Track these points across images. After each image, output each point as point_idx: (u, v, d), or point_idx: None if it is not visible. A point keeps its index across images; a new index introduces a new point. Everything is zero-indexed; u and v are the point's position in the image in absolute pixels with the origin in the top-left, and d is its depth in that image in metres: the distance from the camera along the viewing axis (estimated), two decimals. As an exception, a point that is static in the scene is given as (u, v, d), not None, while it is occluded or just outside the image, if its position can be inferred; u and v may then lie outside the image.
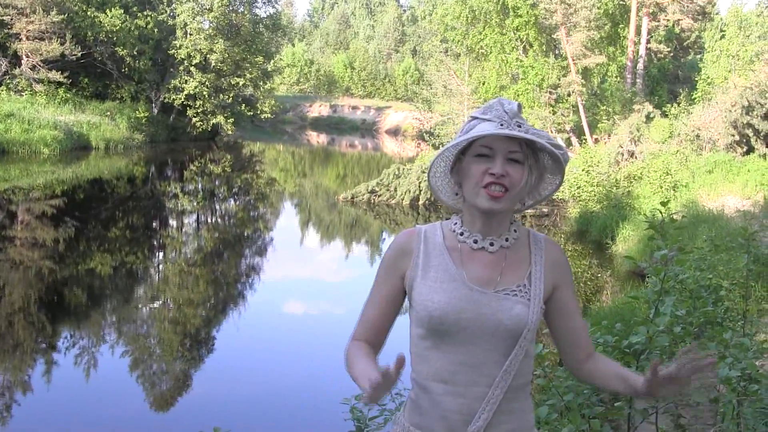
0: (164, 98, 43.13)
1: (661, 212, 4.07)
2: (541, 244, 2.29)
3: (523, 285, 2.20)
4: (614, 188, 21.59)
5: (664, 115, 27.54)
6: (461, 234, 2.25)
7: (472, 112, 2.26)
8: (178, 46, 42.75)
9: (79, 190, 24.32)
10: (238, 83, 44.98)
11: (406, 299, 2.28)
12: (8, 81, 36.55)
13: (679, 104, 28.57)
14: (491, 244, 2.23)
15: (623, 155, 24.33)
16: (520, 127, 2.14)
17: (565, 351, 2.32)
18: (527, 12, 29.11)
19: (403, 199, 22.82)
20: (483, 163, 2.15)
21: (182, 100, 42.81)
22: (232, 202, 27.23)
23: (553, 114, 28.45)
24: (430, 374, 2.19)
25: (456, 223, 2.29)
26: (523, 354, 2.18)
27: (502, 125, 2.12)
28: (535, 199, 2.34)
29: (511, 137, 2.13)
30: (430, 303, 2.16)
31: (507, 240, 2.25)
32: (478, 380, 2.15)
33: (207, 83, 43.00)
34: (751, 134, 24.13)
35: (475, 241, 2.23)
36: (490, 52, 31.27)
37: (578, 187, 21.99)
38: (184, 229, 20.69)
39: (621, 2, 31.34)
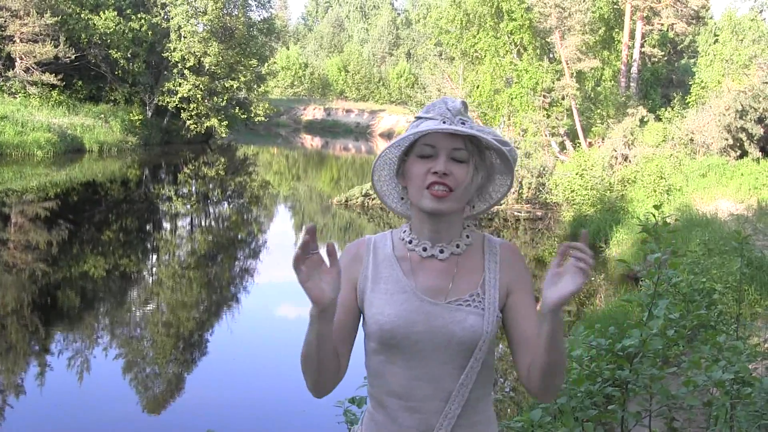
0: (158, 101, 43.14)
1: (654, 216, 4.07)
2: (496, 248, 2.19)
3: (476, 294, 2.11)
4: (608, 192, 21.61)
5: (658, 118, 27.56)
6: (410, 242, 2.17)
7: (417, 113, 2.19)
8: (172, 48, 42.78)
9: (72, 193, 24.28)
10: (232, 86, 45.04)
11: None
12: (2, 83, 36.53)
13: (672, 108, 28.56)
14: (441, 252, 2.15)
15: (617, 159, 24.35)
16: (463, 124, 2.06)
17: (518, 361, 2.12)
18: (522, 16, 29.10)
19: (397, 203, 22.79)
20: (426, 162, 2.07)
21: (176, 102, 42.85)
22: (226, 205, 27.19)
23: (547, 117, 28.42)
24: (385, 389, 2.11)
25: (405, 231, 2.21)
26: (480, 365, 2.09)
27: (444, 122, 2.05)
28: (487, 202, 2.26)
29: (455, 135, 2.06)
30: (380, 316, 2.08)
31: (458, 246, 2.16)
32: (434, 394, 2.07)
33: (201, 86, 43.04)
34: (744, 138, 24.17)
35: (424, 249, 2.15)
36: (485, 56, 31.24)
37: (572, 191, 22.02)
38: (177, 232, 20.66)
39: (615, 6, 31.40)
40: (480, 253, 2.19)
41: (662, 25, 33.15)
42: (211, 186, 30.93)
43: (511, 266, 2.18)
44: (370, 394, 2.20)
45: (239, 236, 21.08)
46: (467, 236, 2.19)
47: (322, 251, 1.97)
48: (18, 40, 36.69)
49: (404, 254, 2.17)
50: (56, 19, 37.29)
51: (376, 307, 2.10)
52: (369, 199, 23.30)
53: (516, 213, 23.48)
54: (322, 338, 1.99)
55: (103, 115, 38.44)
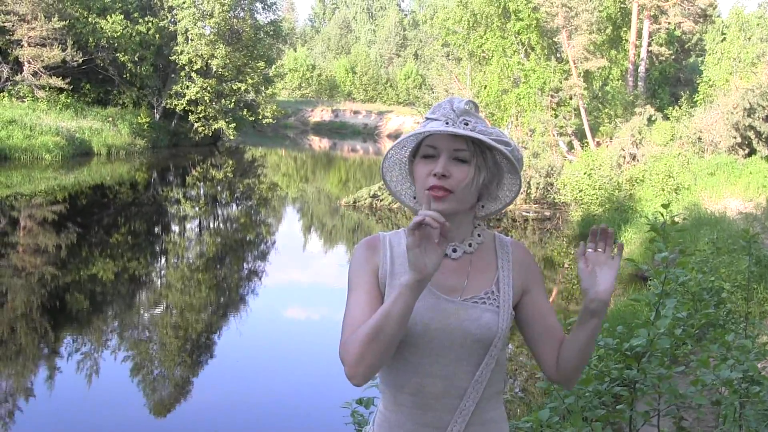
0: (166, 104, 43.23)
1: (662, 215, 4.06)
2: (507, 247, 2.22)
3: (491, 291, 2.14)
4: (616, 191, 21.58)
5: (666, 117, 27.52)
6: None
7: (425, 113, 2.21)
8: (179, 51, 42.86)
9: (81, 196, 24.34)
10: (239, 88, 45.10)
11: None
12: (10, 87, 36.60)
13: (680, 107, 28.55)
14: (454, 251, 2.16)
15: (625, 158, 24.31)
16: (467, 125, 2.06)
17: (544, 352, 2.17)
18: (528, 16, 29.10)
19: (405, 204, 22.77)
20: (429, 163, 2.08)
21: (184, 105, 42.92)
22: (234, 207, 27.23)
23: (555, 117, 28.42)
24: (399, 387, 2.12)
25: None
26: (494, 363, 2.11)
27: (447, 123, 2.06)
28: (498, 203, 2.25)
29: (456, 136, 2.06)
30: None
31: (470, 245, 2.18)
32: (449, 391, 2.09)
33: (208, 88, 43.11)
34: (752, 136, 24.11)
35: None
36: (492, 56, 31.24)
37: (580, 190, 21.98)
38: (186, 235, 20.70)
39: (622, 5, 31.35)
40: (492, 252, 2.21)
41: (669, 23, 33.08)
42: (219, 188, 30.98)
43: (523, 266, 2.21)
44: (382, 393, 2.20)
45: (247, 238, 21.10)
46: (479, 235, 2.21)
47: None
48: (26, 44, 36.77)
49: None
50: (64, 23, 37.35)
51: None
52: (377, 200, 23.30)
53: (524, 213, 23.45)
54: (408, 311, 1.94)
55: (111, 119, 38.50)
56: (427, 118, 2.14)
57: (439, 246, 1.90)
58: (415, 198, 2.24)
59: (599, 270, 2.01)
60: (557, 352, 2.15)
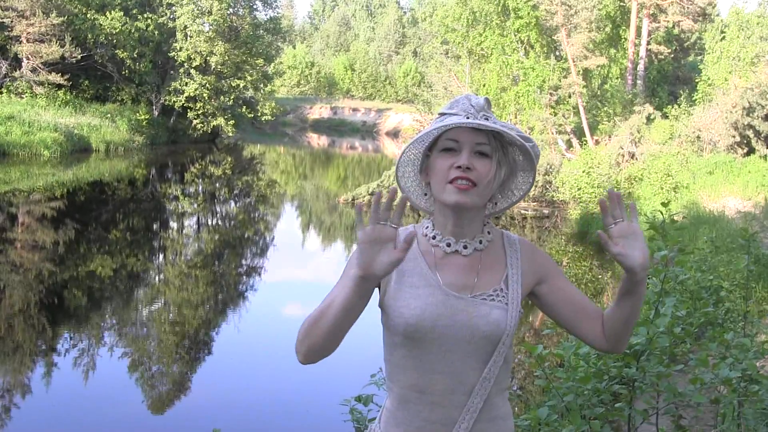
0: (165, 100, 43.20)
1: (661, 213, 4.06)
2: (516, 245, 2.21)
3: (500, 289, 2.12)
4: (615, 189, 21.55)
5: (665, 116, 27.53)
6: (433, 237, 2.17)
7: (439, 109, 2.20)
8: (178, 48, 42.87)
9: (79, 193, 24.31)
10: (238, 85, 45.08)
11: (378, 307, 2.16)
12: (8, 83, 36.59)
13: (679, 105, 28.53)
14: (465, 247, 2.15)
15: (624, 156, 24.31)
16: (487, 120, 2.06)
17: (585, 331, 2.19)
18: (528, 13, 29.10)
19: (403, 201, 22.77)
20: (449, 157, 2.07)
21: (182, 102, 42.89)
22: (233, 204, 27.21)
23: (554, 115, 28.42)
24: (407, 384, 2.11)
25: (427, 227, 2.20)
26: (502, 360, 2.11)
27: (468, 118, 2.05)
28: (509, 199, 2.26)
29: (478, 130, 2.06)
30: (405, 309, 2.06)
31: (481, 242, 2.16)
32: (457, 388, 2.08)
33: (207, 85, 43.09)
34: (751, 135, 24.12)
35: (448, 245, 2.14)
36: (491, 54, 31.26)
37: (579, 189, 21.99)
38: (184, 232, 20.67)
39: (621, 4, 31.34)
40: (501, 249, 2.20)
41: (668, 22, 33.07)
42: (217, 185, 30.94)
43: (533, 260, 2.20)
44: (390, 390, 2.19)
45: (246, 235, 21.08)
46: (488, 232, 2.20)
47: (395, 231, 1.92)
48: (24, 41, 36.77)
49: (428, 249, 2.17)
50: (62, 19, 37.35)
51: (401, 300, 2.08)
52: (376, 197, 23.25)
53: (523, 211, 23.44)
54: (348, 305, 1.92)
55: (109, 115, 38.51)
56: (443, 113, 2.13)
57: (398, 252, 1.87)
58: (426, 195, 2.24)
59: (629, 242, 2.04)
60: (599, 326, 2.18)
